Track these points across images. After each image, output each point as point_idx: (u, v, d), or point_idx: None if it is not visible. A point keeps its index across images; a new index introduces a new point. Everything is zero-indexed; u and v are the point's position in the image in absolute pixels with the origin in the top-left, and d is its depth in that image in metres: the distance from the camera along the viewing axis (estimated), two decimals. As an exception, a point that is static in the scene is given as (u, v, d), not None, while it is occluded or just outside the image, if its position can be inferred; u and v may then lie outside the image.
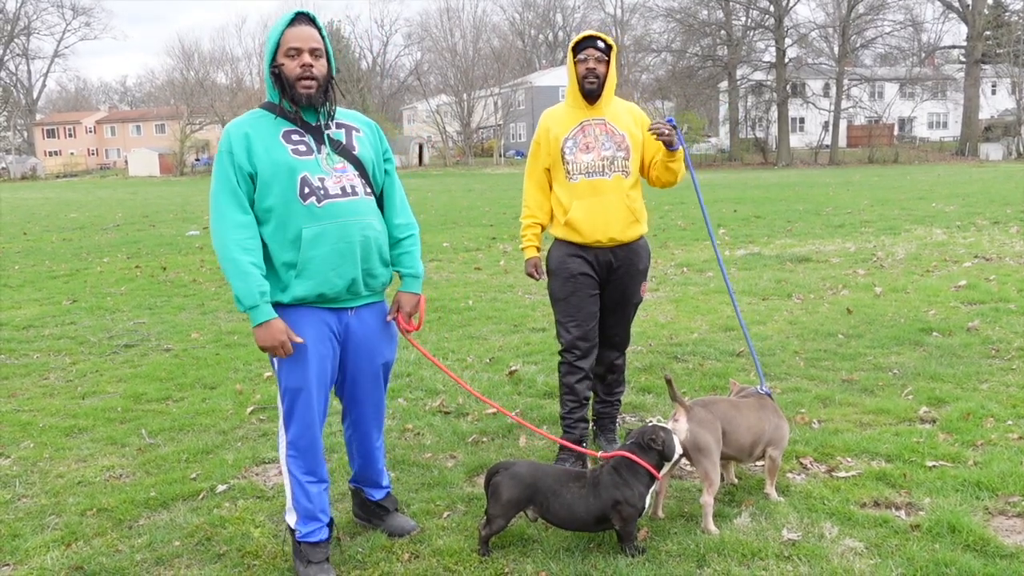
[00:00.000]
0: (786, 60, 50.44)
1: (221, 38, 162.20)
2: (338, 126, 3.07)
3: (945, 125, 61.00)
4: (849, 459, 3.95)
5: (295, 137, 2.97)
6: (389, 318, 3.23)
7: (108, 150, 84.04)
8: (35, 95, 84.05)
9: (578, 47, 3.87)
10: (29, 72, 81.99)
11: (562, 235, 3.97)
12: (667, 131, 3.73)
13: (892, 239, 12.02)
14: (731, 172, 41.11)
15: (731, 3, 51.35)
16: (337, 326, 3.05)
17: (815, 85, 55.67)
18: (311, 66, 2.93)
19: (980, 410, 4.50)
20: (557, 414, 4.25)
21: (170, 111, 72.50)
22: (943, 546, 3.09)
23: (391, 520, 3.42)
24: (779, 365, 5.65)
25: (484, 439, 4.48)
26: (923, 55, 54.54)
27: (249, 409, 5.07)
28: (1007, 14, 51.39)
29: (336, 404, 3.37)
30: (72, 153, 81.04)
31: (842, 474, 3.79)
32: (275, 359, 3.01)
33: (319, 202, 2.93)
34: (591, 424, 4.35)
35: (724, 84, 53.38)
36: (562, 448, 4.05)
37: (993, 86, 56.31)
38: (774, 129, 52.22)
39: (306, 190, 2.92)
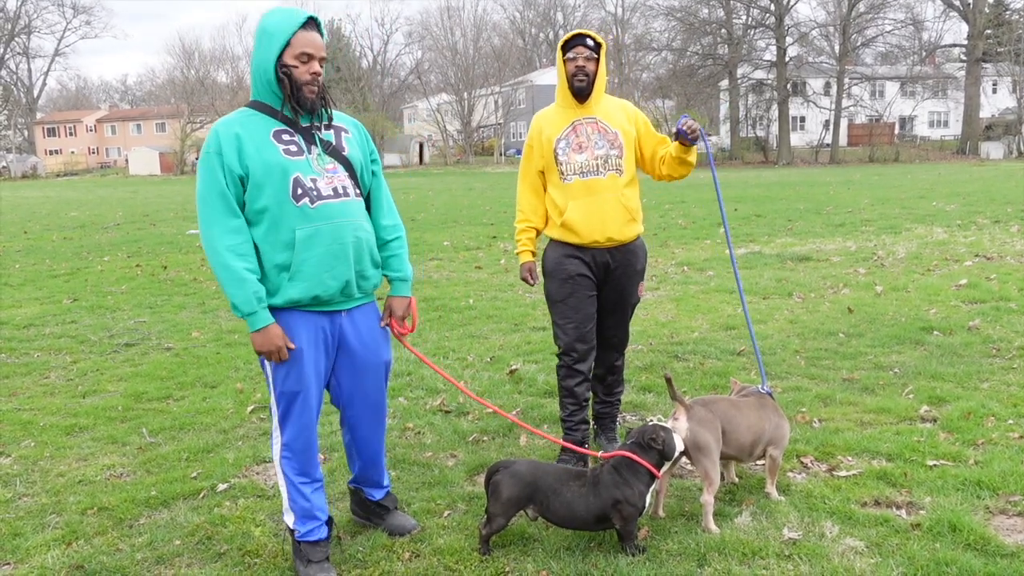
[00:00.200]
0: (787, 59, 50.39)
1: (221, 37, 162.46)
2: (326, 127, 3.04)
3: (946, 124, 60.96)
4: (850, 458, 3.95)
5: (285, 137, 2.93)
6: (383, 324, 3.24)
7: (109, 149, 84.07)
8: (36, 94, 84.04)
9: (567, 45, 3.83)
10: (30, 71, 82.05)
11: (558, 236, 3.93)
12: (697, 127, 3.73)
13: (893, 238, 12.02)
14: (732, 171, 41.08)
15: (732, 2, 51.29)
16: (331, 329, 3.04)
17: (816, 84, 55.65)
18: (319, 74, 2.93)
19: (981, 409, 4.50)
20: (557, 413, 4.25)
21: (171, 110, 72.54)
22: (944, 545, 3.09)
23: (391, 519, 3.42)
24: (780, 364, 5.65)
25: (485, 438, 4.48)
26: (924, 54, 54.53)
27: (250, 408, 5.07)
28: (1008, 12, 51.32)
29: (333, 406, 3.36)
30: (73, 152, 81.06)
31: (843, 473, 3.79)
32: (267, 364, 3.00)
33: (312, 203, 2.91)
34: (591, 424, 4.35)
35: (725, 83, 53.32)
36: (564, 448, 4.05)
37: (994, 85, 56.28)
38: (775, 128, 52.17)
39: (299, 191, 2.89)
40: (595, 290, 3.95)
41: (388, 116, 69.24)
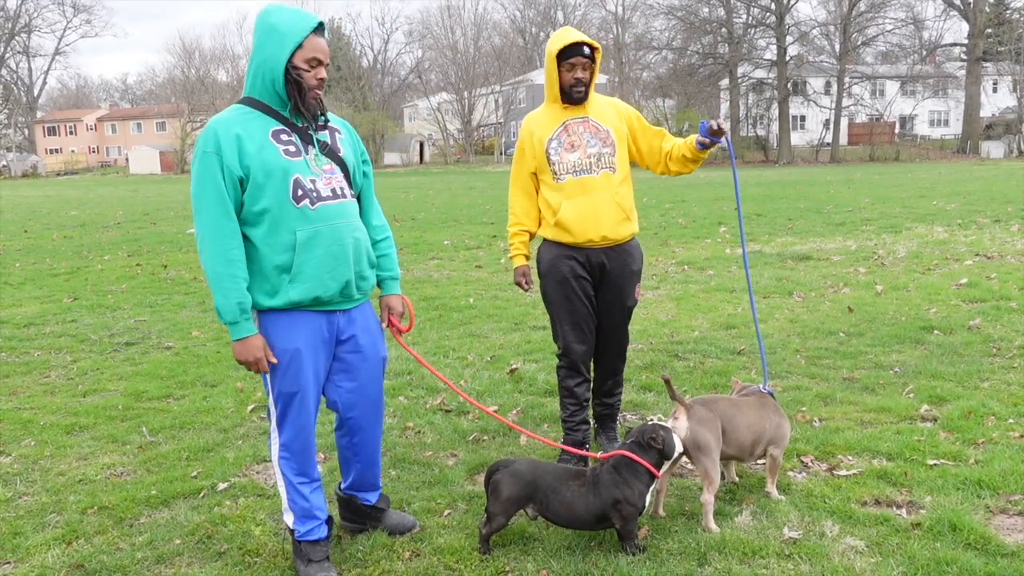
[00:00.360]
0: (787, 58, 50.39)
1: (222, 35, 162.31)
2: (321, 127, 3.03)
3: (946, 123, 60.95)
4: (850, 457, 3.95)
5: (284, 137, 2.90)
6: (384, 325, 3.27)
7: (109, 148, 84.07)
8: (36, 93, 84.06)
9: (564, 54, 3.72)
10: (30, 69, 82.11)
11: (552, 236, 3.90)
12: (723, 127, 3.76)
13: (893, 237, 12.01)
14: (731, 170, 41.03)
15: (732, 1, 51.30)
16: (329, 329, 3.04)
17: (816, 83, 55.65)
18: (325, 80, 2.93)
19: (981, 408, 4.50)
20: (558, 413, 4.25)
21: (171, 109, 72.51)
22: (944, 545, 3.09)
23: (388, 519, 3.41)
24: (780, 363, 5.65)
25: (485, 437, 4.48)
26: (924, 53, 54.56)
27: (250, 407, 5.07)
28: (1008, 11, 51.31)
29: (330, 410, 3.35)
30: (73, 151, 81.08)
31: (843, 472, 3.79)
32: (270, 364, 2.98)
33: (312, 204, 2.90)
34: (592, 424, 4.34)
35: (725, 82, 53.33)
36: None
37: (994, 84, 56.26)
38: (775, 127, 52.17)
39: (299, 192, 2.88)
40: (592, 290, 3.92)
41: (388, 115, 69.26)
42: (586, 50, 3.71)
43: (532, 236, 4.08)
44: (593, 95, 3.88)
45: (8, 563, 3.27)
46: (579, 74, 3.73)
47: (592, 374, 4.12)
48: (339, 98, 63.25)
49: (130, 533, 3.48)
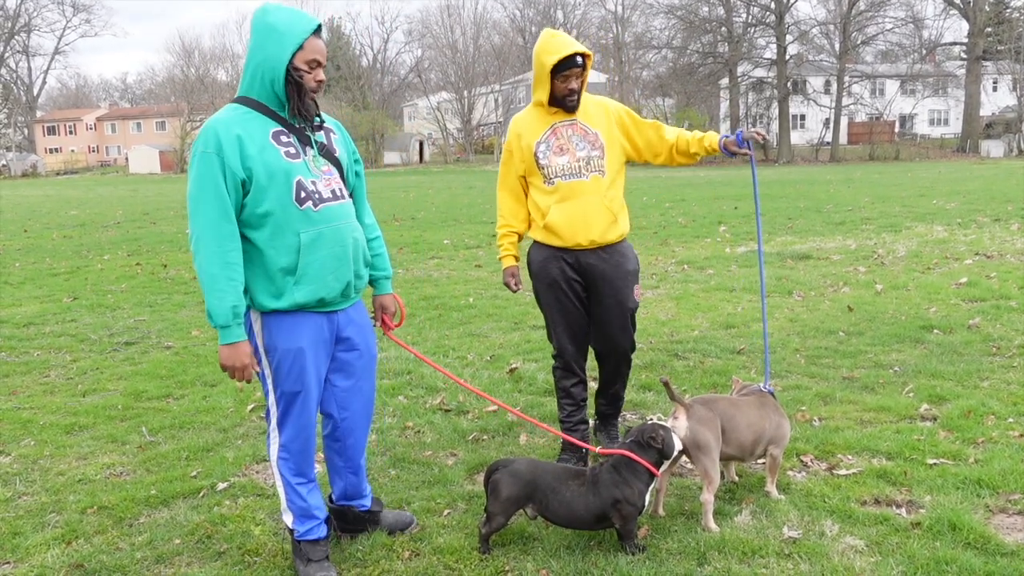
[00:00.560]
0: (787, 57, 50.39)
1: (221, 35, 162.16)
2: (316, 127, 3.01)
3: (946, 122, 60.94)
4: (850, 457, 3.95)
5: (284, 138, 2.89)
6: (378, 324, 3.31)
7: (109, 147, 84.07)
8: (36, 92, 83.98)
9: (559, 67, 3.64)
10: (30, 69, 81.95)
11: (541, 238, 3.88)
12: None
13: (893, 236, 12.01)
14: (732, 169, 41.05)
15: (732, 0, 51.32)
16: (329, 329, 3.05)
17: (816, 82, 55.66)
18: (324, 82, 2.92)
19: (981, 408, 4.50)
20: (556, 413, 4.24)
21: (171, 108, 72.51)
22: (944, 544, 3.09)
23: (385, 519, 3.41)
24: (780, 363, 5.65)
25: (484, 437, 4.48)
26: (924, 52, 54.56)
27: (250, 407, 5.07)
28: (1008, 11, 51.30)
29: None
30: (73, 150, 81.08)
31: (843, 472, 3.79)
32: (267, 365, 2.96)
33: (315, 206, 2.90)
34: (593, 421, 4.34)
35: (725, 81, 53.34)
36: (563, 448, 4.05)
37: (994, 83, 56.28)
38: (775, 126, 52.13)
39: (302, 194, 2.87)
40: (584, 291, 3.89)
41: (388, 114, 69.26)
42: (579, 60, 3.67)
43: (520, 237, 4.06)
44: (582, 97, 3.83)
45: (8, 563, 3.27)
46: (573, 84, 3.70)
47: (586, 374, 4.10)
48: (339, 97, 63.28)
49: (130, 533, 3.48)
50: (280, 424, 3.03)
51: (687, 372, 5.53)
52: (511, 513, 3.17)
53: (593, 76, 55.31)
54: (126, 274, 10.89)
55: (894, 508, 3.43)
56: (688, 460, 3.51)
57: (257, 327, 2.93)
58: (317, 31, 2.86)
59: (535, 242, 3.96)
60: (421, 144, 65.13)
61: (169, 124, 72.00)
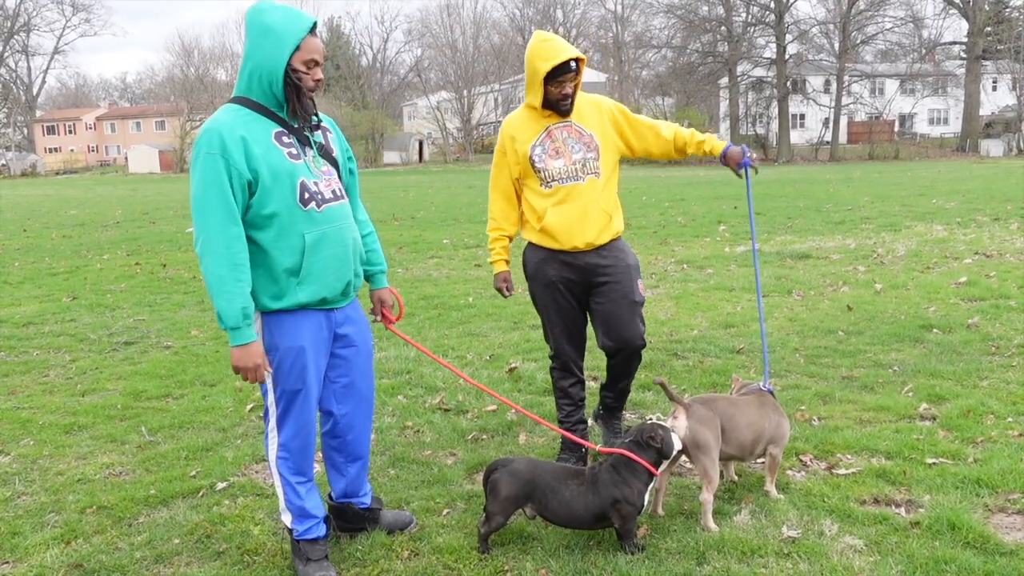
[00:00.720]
0: (787, 56, 50.37)
1: (221, 34, 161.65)
2: (313, 128, 3.00)
3: (946, 121, 60.94)
4: (849, 456, 3.95)
5: (285, 139, 2.88)
6: (377, 318, 3.34)
7: (108, 147, 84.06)
8: (35, 92, 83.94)
9: (554, 72, 3.58)
10: (29, 69, 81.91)
11: (537, 240, 3.85)
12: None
13: (892, 236, 12.01)
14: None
15: (731, -1, 51.35)
16: (328, 327, 3.05)
17: (816, 81, 55.65)
18: (322, 81, 2.92)
19: (980, 407, 4.50)
20: (555, 414, 4.24)
21: (170, 108, 72.52)
22: (943, 543, 3.09)
23: (385, 518, 3.40)
24: (779, 362, 5.65)
25: (484, 436, 4.48)
26: (924, 51, 54.55)
27: (249, 407, 5.07)
28: (1008, 10, 51.30)
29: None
30: (72, 150, 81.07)
31: (842, 471, 3.79)
32: (273, 362, 2.95)
33: (319, 207, 2.90)
34: (597, 418, 4.33)
35: (725, 80, 53.33)
36: (563, 447, 4.05)
37: (994, 82, 56.29)
38: (774, 125, 52.16)
39: (306, 195, 2.87)
40: (584, 293, 3.85)
41: (388, 114, 69.23)
42: (573, 65, 3.60)
43: (511, 239, 4.03)
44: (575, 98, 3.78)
45: (7, 563, 3.27)
46: (567, 90, 3.65)
47: (584, 374, 4.10)
48: (338, 97, 63.26)
49: (129, 532, 3.48)
50: (280, 423, 3.03)
51: (686, 371, 5.52)
52: (510, 513, 3.17)
53: (593, 75, 55.40)
54: (125, 274, 10.89)
55: (893, 507, 3.43)
56: (687, 460, 3.51)
57: (257, 326, 2.92)
58: (312, 29, 2.85)
59: (530, 244, 3.93)
60: (421, 143, 65.11)
61: (169, 124, 72.01)
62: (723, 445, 3.40)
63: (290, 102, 2.86)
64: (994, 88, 55.97)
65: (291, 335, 2.94)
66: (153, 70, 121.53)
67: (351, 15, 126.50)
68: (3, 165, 64.84)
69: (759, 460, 3.68)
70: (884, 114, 57.13)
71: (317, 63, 2.87)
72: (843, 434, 4.20)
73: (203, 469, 4.12)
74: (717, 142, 3.90)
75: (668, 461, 3.25)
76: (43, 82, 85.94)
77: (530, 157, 3.76)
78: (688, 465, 3.75)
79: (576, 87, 3.70)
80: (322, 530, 3.12)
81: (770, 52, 52.17)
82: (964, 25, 50.65)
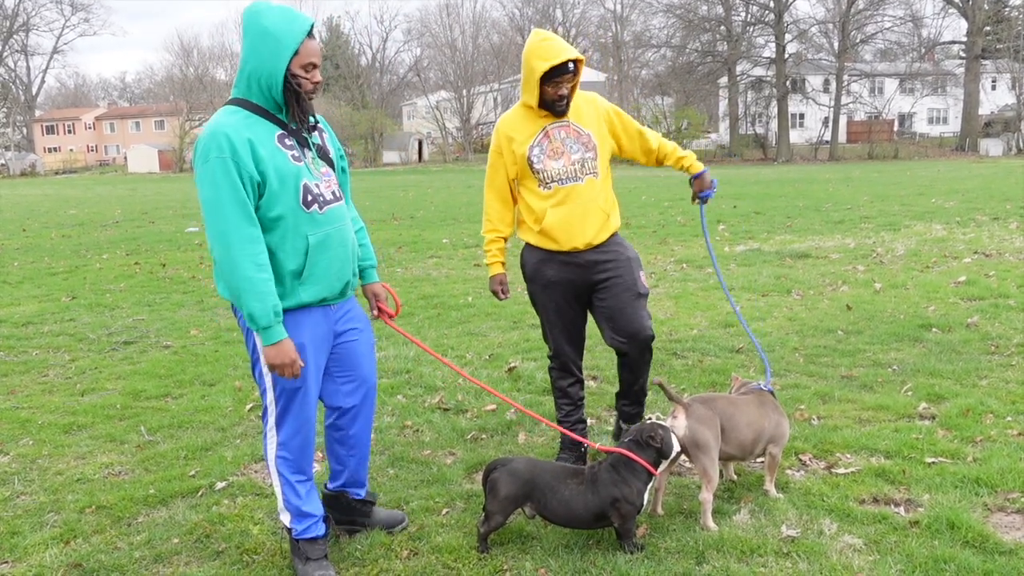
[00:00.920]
0: (786, 56, 50.40)
1: (220, 34, 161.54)
2: (310, 129, 3.00)
3: (945, 121, 60.96)
4: (848, 455, 3.95)
5: (287, 142, 2.89)
6: (375, 314, 3.35)
7: (107, 146, 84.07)
8: (34, 91, 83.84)
9: (551, 72, 3.54)
10: (28, 68, 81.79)
11: (535, 242, 3.82)
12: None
13: (892, 235, 12.01)
14: (731, 168, 41.08)
15: (731, -2, 51.35)
16: (327, 325, 3.06)
17: (815, 81, 55.67)
18: (320, 83, 2.91)
19: (979, 406, 4.50)
20: (554, 413, 4.24)
21: (169, 107, 72.55)
22: (942, 543, 3.09)
23: (377, 515, 3.41)
24: (778, 361, 5.65)
25: (483, 436, 4.48)
26: (923, 51, 54.52)
27: (248, 406, 5.07)
28: (1007, 9, 51.34)
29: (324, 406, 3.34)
30: (71, 149, 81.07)
31: (841, 471, 3.79)
32: (264, 365, 2.94)
33: (321, 209, 2.92)
34: (619, 421, 4.29)
35: (724, 80, 53.37)
36: (562, 447, 4.04)
37: (993, 82, 56.31)
38: (774, 125, 52.19)
39: (308, 197, 2.88)
40: (585, 292, 3.84)
41: (387, 113, 69.21)
42: (571, 66, 3.56)
43: (507, 240, 4.01)
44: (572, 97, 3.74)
45: (6, 563, 3.27)
46: (564, 91, 3.61)
47: (583, 374, 4.09)
48: (338, 96, 63.29)
49: (128, 532, 3.48)
50: (279, 422, 3.03)
51: (686, 371, 5.52)
52: (509, 512, 3.17)
53: (592, 75, 55.40)
54: (125, 273, 10.88)
55: (892, 507, 3.43)
56: (687, 459, 3.51)
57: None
58: (310, 31, 2.85)
59: (528, 245, 3.90)
60: (420, 143, 65.11)
61: (168, 123, 72.02)
62: (723, 444, 3.40)
63: (290, 106, 2.86)
64: (993, 87, 55.99)
65: (290, 333, 2.93)
66: (152, 70, 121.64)
67: (350, 14, 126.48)
68: (2, 165, 64.85)
69: (758, 459, 3.68)
70: (883, 113, 57.17)
71: (315, 66, 2.87)
72: (842, 433, 4.20)
73: (202, 469, 4.12)
74: (696, 163, 3.95)
75: (668, 461, 3.26)
76: (42, 82, 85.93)
77: (528, 158, 3.72)
78: (687, 464, 3.75)
79: (573, 88, 3.66)
80: (321, 529, 3.12)
81: (769, 51, 52.22)
82: (963, 24, 50.69)
